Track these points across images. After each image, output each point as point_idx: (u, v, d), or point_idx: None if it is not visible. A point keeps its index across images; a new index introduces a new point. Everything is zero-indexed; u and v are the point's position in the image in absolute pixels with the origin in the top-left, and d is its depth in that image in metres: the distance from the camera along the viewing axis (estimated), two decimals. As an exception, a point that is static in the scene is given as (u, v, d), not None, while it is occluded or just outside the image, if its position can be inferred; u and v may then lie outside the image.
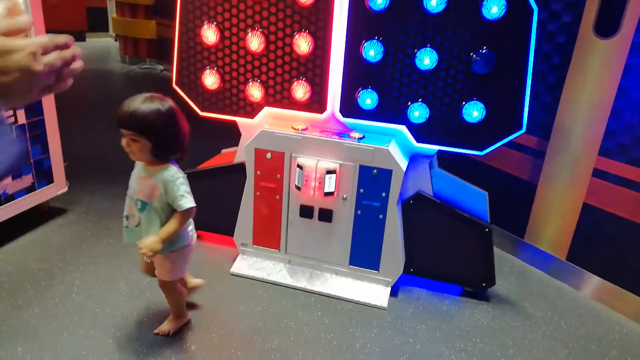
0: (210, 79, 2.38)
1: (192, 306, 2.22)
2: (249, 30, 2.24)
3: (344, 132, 2.27)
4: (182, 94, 2.44)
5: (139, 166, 1.79)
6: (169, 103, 1.70)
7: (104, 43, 8.54)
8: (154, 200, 1.72)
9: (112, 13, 7.75)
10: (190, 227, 1.88)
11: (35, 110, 2.67)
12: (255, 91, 2.34)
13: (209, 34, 2.30)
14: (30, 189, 2.72)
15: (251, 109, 2.39)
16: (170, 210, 1.74)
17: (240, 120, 2.46)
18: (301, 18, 2.17)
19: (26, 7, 2.55)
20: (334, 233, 2.35)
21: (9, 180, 2.56)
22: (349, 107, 2.25)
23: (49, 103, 2.74)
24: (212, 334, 2.07)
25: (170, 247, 1.78)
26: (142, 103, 1.65)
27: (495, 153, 2.22)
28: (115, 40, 7.81)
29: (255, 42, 2.24)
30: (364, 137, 2.23)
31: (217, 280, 2.44)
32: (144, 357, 1.91)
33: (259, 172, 2.37)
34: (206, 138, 3.10)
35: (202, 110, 2.45)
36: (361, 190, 2.23)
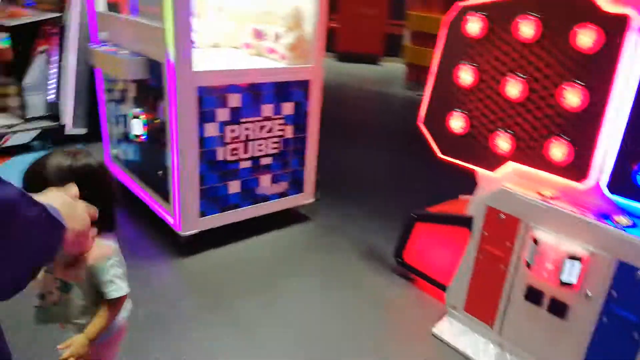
0: (457, 122, 2.20)
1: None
2: (509, 74, 1.96)
3: (606, 213, 1.76)
4: (425, 132, 2.34)
5: None
6: (92, 159, 1.29)
7: (395, 69, 9.12)
8: (79, 282, 1.37)
9: (406, 41, 8.19)
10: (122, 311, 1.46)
11: (301, 128, 2.99)
12: (503, 142, 2.05)
13: (465, 75, 2.13)
14: (283, 194, 3.08)
15: (495, 161, 2.10)
16: (97, 293, 1.39)
17: (479, 171, 2.21)
18: (576, 66, 1.77)
19: (314, 34, 2.87)
20: (566, 333, 1.86)
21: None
22: (622, 181, 1.73)
23: (313, 123, 3.03)
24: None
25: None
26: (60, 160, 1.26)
27: None
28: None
29: (514, 88, 1.96)
30: (634, 225, 1.68)
31: (415, 337, 2.26)
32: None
33: (486, 233, 2.07)
34: (449, 175, 2.90)
35: (442, 152, 2.29)
36: (614, 293, 1.69)
